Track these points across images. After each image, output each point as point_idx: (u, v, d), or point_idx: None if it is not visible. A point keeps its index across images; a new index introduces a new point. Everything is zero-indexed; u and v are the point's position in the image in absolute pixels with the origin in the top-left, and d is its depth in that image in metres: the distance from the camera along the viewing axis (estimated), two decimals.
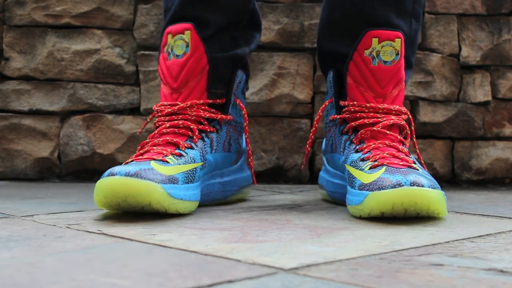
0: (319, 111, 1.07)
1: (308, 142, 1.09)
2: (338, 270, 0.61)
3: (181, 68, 0.98)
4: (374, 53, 0.97)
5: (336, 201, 1.07)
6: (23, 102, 1.41)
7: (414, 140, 1.05)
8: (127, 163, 0.91)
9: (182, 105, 0.98)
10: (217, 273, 0.59)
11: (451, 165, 1.42)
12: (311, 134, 1.08)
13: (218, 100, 1.02)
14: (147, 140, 0.97)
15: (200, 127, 0.98)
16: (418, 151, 1.06)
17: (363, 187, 0.90)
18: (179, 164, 0.92)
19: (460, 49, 1.42)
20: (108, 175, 0.84)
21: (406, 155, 0.95)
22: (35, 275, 0.58)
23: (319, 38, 1.11)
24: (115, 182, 0.83)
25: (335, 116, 1.03)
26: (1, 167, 1.40)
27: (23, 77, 1.41)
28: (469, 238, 0.78)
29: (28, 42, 1.41)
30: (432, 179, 0.90)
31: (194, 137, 0.97)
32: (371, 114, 0.99)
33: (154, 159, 0.90)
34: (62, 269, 0.61)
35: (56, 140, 1.41)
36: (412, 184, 0.84)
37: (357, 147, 0.98)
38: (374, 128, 0.97)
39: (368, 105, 0.99)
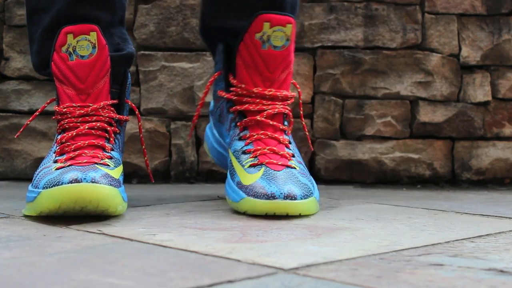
0: (208, 83, 1.07)
1: (196, 111, 1.10)
2: (338, 270, 0.61)
3: (89, 69, 0.96)
4: (264, 37, 0.98)
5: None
6: (23, 102, 1.41)
7: (303, 123, 1.11)
8: (61, 167, 0.88)
9: (95, 106, 0.96)
10: (217, 273, 0.59)
11: (451, 165, 1.42)
12: (198, 107, 1.09)
13: (116, 100, 1.01)
14: (62, 141, 0.94)
15: (112, 128, 0.97)
16: (307, 133, 1.12)
17: (241, 186, 0.93)
18: (116, 167, 0.92)
19: (460, 49, 1.42)
20: (71, 182, 0.83)
21: (287, 147, 0.98)
22: (35, 275, 0.58)
23: (203, 12, 1.09)
24: (81, 189, 0.82)
25: (223, 93, 1.04)
26: (1, 167, 1.40)
27: (23, 77, 1.41)
28: (469, 238, 0.78)
29: (28, 42, 1.41)
30: (307, 182, 0.94)
31: (111, 138, 0.96)
32: (258, 100, 1.00)
33: (96, 163, 0.89)
34: (62, 269, 0.61)
35: None
36: (286, 197, 0.88)
37: (241, 134, 1.00)
38: (258, 117, 0.99)
39: (255, 90, 0.99)
